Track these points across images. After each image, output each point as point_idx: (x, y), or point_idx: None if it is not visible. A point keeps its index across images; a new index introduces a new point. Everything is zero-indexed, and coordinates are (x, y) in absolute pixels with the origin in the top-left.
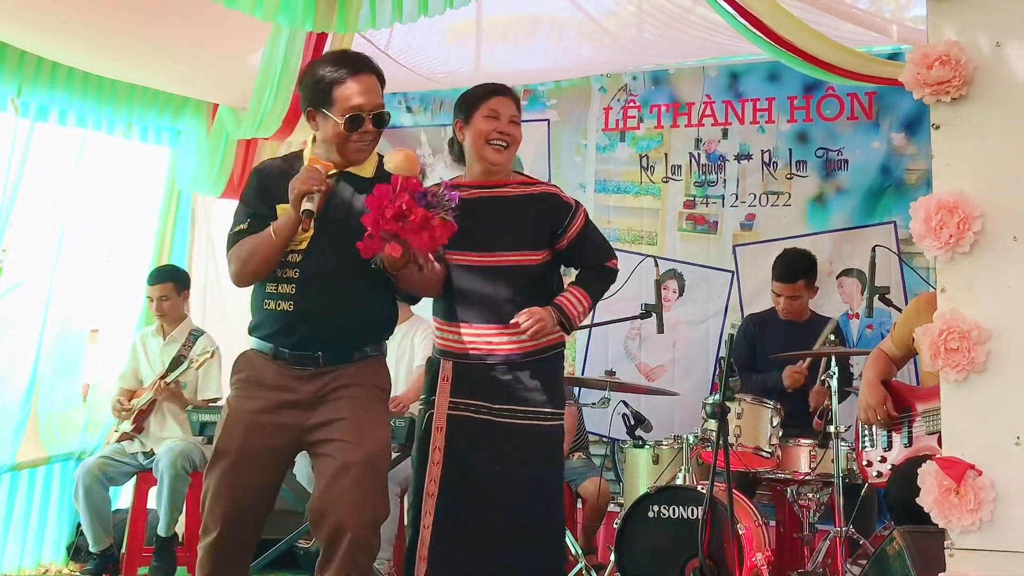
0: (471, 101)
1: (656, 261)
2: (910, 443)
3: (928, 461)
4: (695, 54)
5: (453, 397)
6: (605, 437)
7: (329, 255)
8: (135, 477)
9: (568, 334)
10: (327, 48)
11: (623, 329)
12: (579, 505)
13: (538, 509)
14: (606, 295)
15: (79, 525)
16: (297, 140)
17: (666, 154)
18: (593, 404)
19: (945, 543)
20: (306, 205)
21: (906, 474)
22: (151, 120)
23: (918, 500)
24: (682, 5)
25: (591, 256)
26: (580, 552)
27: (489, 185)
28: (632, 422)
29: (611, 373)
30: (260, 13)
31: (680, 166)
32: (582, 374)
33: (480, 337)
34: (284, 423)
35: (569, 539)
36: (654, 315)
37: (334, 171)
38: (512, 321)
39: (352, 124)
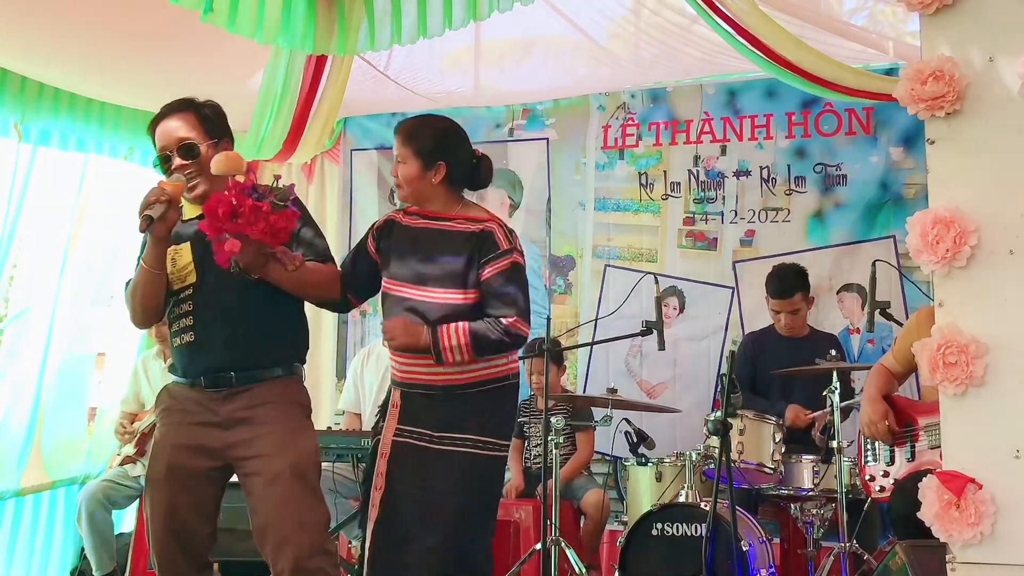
0: None
1: (656, 278)
2: (913, 457)
3: (929, 475)
4: (693, 72)
5: (400, 424)
6: (608, 455)
7: (216, 284)
8: (138, 500)
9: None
10: (327, 70)
11: (624, 347)
12: (581, 523)
13: (463, 536)
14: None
15: (83, 549)
16: (297, 162)
17: (665, 171)
18: (595, 422)
19: (947, 557)
20: (147, 212)
21: (908, 489)
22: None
23: (919, 514)
24: (679, 24)
25: (491, 300)
26: (583, 570)
27: (431, 216)
28: (635, 439)
29: (613, 391)
30: (260, 36)
31: (679, 183)
32: (584, 392)
33: (414, 367)
34: (205, 444)
35: (572, 557)
36: (655, 332)
37: (201, 209)
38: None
39: (157, 165)
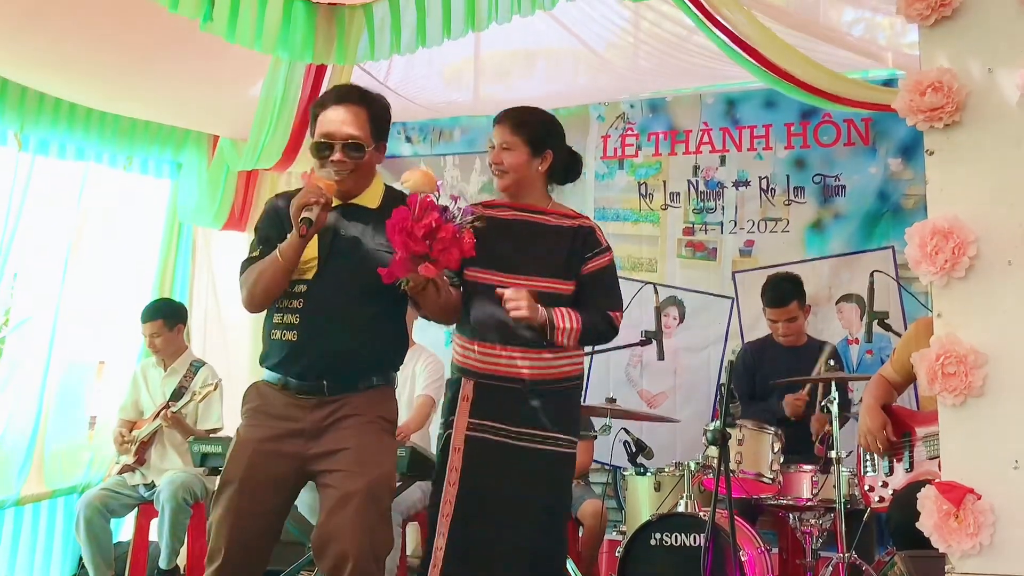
0: None
1: (656, 288)
2: (911, 468)
3: (927, 485)
4: (692, 81)
5: (472, 418)
6: (607, 464)
7: (334, 285)
8: (136, 509)
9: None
10: (326, 80)
11: (624, 356)
12: (580, 533)
13: (547, 534)
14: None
15: (81, 558)
16: (297, 171)
17: (664, 181)
18: (595, 432)
19: (946, 567)
20: (305, 214)
21: (907, 499)
22: (152, 153)
23: (918, 525)
24: (678, 34)
25: (597, 297)
26: None
27: (525, 209)
28: (633, 449)
29: (612, 400)
30: (260, 46)
31: (678, 193)
32: (584, 401)
33: (501, 358)
34: (287, 452)
35: (571, 566)
36: (654, 342)
37: (339, 203)
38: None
39: (315, 150)
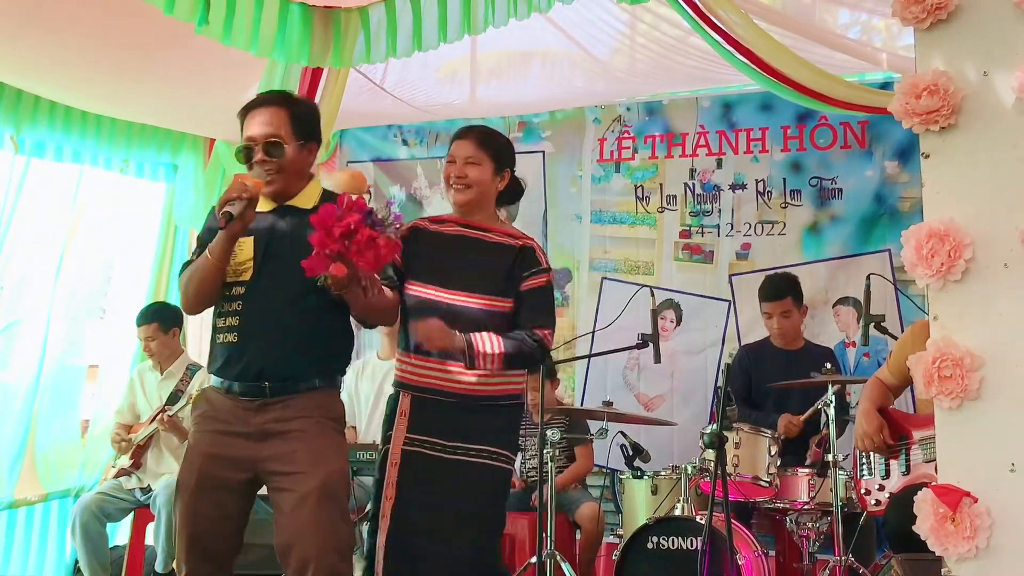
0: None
1: (652, 291)
2: (908, 471)
3: (924, 489)
4: (688, 84)
5: (409, 433)
6: (604, 468)
7: (272, 286)
8: (132, 513)
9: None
10: (322, 83)
11: (622, 359)
12: (577, 536)
13: (487, 547)
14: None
15: (77, 562)
16: None
17: (661, 184)
18: (591, 435)
19: (942, 571)
20: (227, 208)
21: (903, 502)
22: (148, 156)
23: (915, 528)
24: (675, 36)
25: (525, 314)
26: None
27: (470, 225)
28: (630, 452)
29: (609, 403)
30: (255, 49)
31: (675, 196)
32: (581, 405)
33: (437, 372)
34: (236, 456)
35: (568, 570)
36: (651, 345)
37: (274, 205)
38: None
39: (240, 155)
